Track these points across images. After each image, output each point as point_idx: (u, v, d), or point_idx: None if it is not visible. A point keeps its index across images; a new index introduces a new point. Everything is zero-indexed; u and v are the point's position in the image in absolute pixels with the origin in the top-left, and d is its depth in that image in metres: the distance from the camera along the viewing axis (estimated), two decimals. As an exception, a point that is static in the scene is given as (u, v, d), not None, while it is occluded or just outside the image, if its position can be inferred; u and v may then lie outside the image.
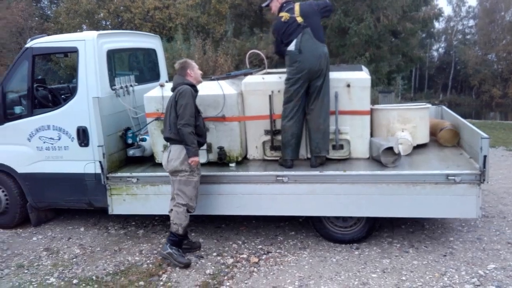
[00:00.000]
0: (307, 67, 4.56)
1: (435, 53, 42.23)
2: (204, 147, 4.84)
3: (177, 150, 4.31)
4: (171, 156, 4.34)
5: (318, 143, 4.71)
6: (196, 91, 4.46)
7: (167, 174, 4.48)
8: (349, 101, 4.76)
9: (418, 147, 5.13)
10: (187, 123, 4.19)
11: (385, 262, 4.34)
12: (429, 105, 5.50)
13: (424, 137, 5.24)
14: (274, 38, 5.00)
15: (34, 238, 5.41)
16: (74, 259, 4.80)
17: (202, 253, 4.72)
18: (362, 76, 4.77)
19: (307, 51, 4.58)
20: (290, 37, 4.64)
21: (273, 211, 4.73)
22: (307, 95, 4.70)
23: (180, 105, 4.22)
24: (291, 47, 4.64)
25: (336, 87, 4.73)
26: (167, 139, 4.44)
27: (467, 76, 36.74)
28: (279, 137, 4.92)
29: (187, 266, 4.39)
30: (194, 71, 4.49)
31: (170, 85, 4.91)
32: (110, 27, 21.33)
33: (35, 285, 4.28)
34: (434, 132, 5.46)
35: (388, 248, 4.65)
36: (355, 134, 4.84)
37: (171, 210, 4.43)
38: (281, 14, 4.76)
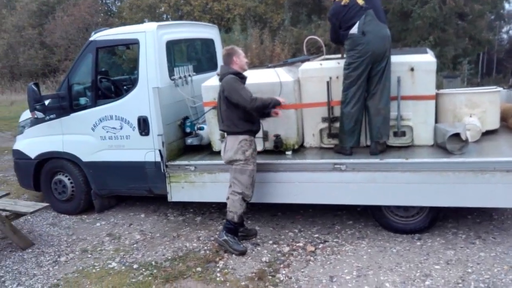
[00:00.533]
0: (371, 49, 4.39)
1: (505, 36, 39.65)
2: (260, 135, 4.81)
3: (232, 140, 4.37)
4: (227, 146, 4.40)
5: (379, 127, 4.53)
6: (242, 77, 4.42)
7: (223, 162, 4.52)
8: (412, 85, 4.54)
9: (488, 133, 4.82)
10: (252, 101, 4.20)
11: (450, 254, 4.13)
12: (500, 89, 5.14)
13: (494, 123, 4.90)
14: (331, 24, 4.85)
15: (98, 224, 5.64)
16: (135, 245, 4.94)
17: (258, 240, 4.71)
18: (427, 59, 4.54)
19: (371, 33, 4.40)
20: (352, 21, 4.47)
21: (331, 200, 4.62)
22: (368, 79, 4.53)
23: (235, 94, 4.22)
24: (354, 30, 4.47)
25: (398, 71, 4.53)
26: (222, 131, 4.57)
27: (541, 60, 34.30)
28: (336, 124, 4.79)
29: (242, 253, 4.40)
30: (240, 58, 4.43)
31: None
32: (170, 20, 21.84)
33: (97, 269, 4.45)
34: (505, 118, 5.11)
35: (453, 239, 4.42)
36: (418, 120, 4.61)
37: (228, 197, 4.44)
38: None
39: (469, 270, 3.82)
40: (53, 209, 6.07)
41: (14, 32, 25.73)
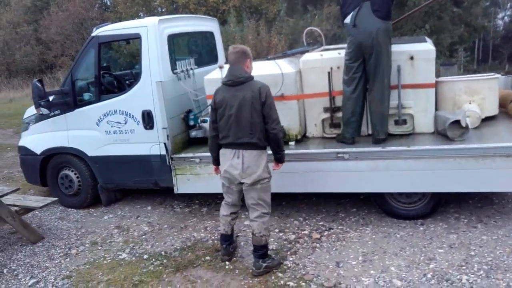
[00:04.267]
0: (359, 42, 4.44)
1: (500, 22, 39.72)
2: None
3: (255, 156, 3.82)
4: (248, 163, 3.80)
5: (376, 125, 4.63)
6: None
7: (246, 182, 3.87)
8: (412, 74, 4.61)
9: (487, 120, 4.91)
10: (280, 125, 3.89)
11: (452, 238, 4.23)
12: (498, 75, 5.22)
13: (493, 109, 5.00)
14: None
15: (105, 217, 5.73)
16: (143, 236, 5.04)
17: (265, 229, 4.81)
18: (426, 48, 4.61)
19: (360, 26, 4.42)
20: (349, 8, 4.51)
21: (335, 189, 4.71)
22: (367, 74, 4.59)
23: (274, 110, 3.82)
24: (347, 19, 4.53)
25: (398, 60, 4.59)
26: (248, 144, 3.80)
27: (536, 45, 34.34)
28: (338, 114, 4.88)
29: (281, 263, 4.09)
30: (252, 64, 4.00)
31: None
32: (165, 13, 21.78)
33: (108, 260, 4.55)
34: (503, 104, 5.19)
35: (455, 223, 4.53)
36: (419, 108, 4.69)
37: (255, 221, 3.91)
38: None
39: (472, 253, 3.92)
40: (60, 203, 6.14)
41: (9, 29, 25.66)
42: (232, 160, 3.88)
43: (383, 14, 4.43)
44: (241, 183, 3.91)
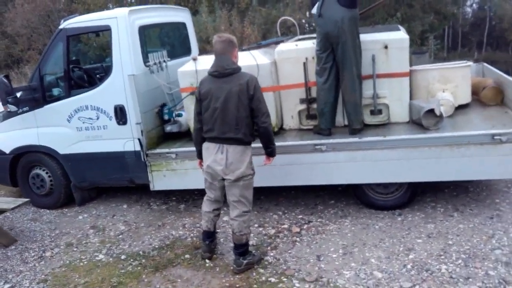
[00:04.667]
0: (325, 31, 4.42)
1: (468, 9, 40.45)
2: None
3: (239, 152, 3.73)
4: (232, 159, 3.70)
5: (350, 114, 4.63)
6: None
7: (230, 179, 3.78)
8: (386, 63, 4.60)
9: (460, 108, 4.95)
10: (269, 118, 3.76)
11: (430, 227, 4.28)
12: (470, 63, 5.28)
13: (466, 97, 5.05)
14: None
15: (80, 217, 5.57)
16: (120, 236, 4.93)
17: (244, 224, 4.76)
18: (400, 36, 4.61)
19: (325, 16, 4.40)
20: None
21: (313, 181, 4.69)
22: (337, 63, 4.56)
23: (263, 103, 3.73)
24: (314, 10, 4.51)
25: (372, 49, 4.57)
26: (233, 140, 3.71)
27: (503, 32, 35.12)
28: (315, 106, 4.85)
29: (262, 258, 4.07)
30: (238, 53, 3.88)
31: (204, 58, 4.85)
32: (135, 4, 21.31)
33: (85, 262, 4.43)
34: (476, 91, 5.24)
35: (432, 213, 4.57)
36: (394, 97, 4.69)
37: (235, 220, 3.83)
38: None
39: (450, 242, 3.97)
40: (32, 204, 5.94)
41: (-28, 22, 24.66)
42: (215, 155, 3.77)
43: (347, 2, 4.39)
44: (224, 179, 3.82)
